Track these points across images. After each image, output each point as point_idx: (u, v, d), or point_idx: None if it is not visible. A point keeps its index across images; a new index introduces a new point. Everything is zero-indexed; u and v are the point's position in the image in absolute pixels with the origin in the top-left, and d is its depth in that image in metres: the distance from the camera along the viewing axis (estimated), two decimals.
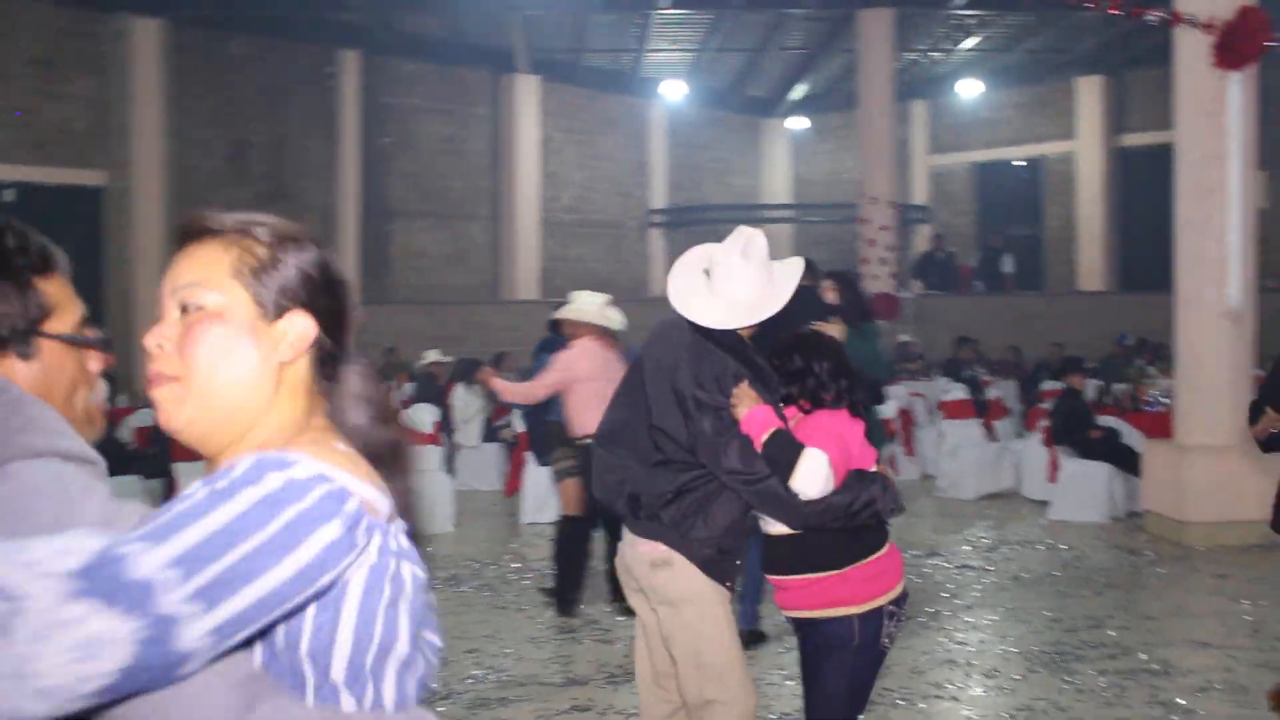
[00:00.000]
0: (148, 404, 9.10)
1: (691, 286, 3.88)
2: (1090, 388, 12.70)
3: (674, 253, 25.57)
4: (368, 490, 1.38)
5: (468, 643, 7.15)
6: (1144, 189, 23.08)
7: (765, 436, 3.65)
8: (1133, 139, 23.36)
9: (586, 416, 7.63)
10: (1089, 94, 23.68)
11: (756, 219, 27.00)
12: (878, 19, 19.10)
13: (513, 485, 11.46)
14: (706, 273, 3.89)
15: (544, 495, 11.07)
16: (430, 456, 11.23)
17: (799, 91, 26.72)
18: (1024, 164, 25.08)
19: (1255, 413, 5.61)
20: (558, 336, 8.57)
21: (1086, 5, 9.51)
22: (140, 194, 18.32)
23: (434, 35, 22.13)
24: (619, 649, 7.00)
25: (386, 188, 22.02)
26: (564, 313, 7.93)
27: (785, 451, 3.62)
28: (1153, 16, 9.50)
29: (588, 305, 7.85)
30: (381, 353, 17.87)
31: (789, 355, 3.91)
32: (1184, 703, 5.90)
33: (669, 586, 3.86)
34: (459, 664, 6.68)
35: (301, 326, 1.51)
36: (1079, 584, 8.50)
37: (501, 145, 23.21)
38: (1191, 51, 9.85)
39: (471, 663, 6.74)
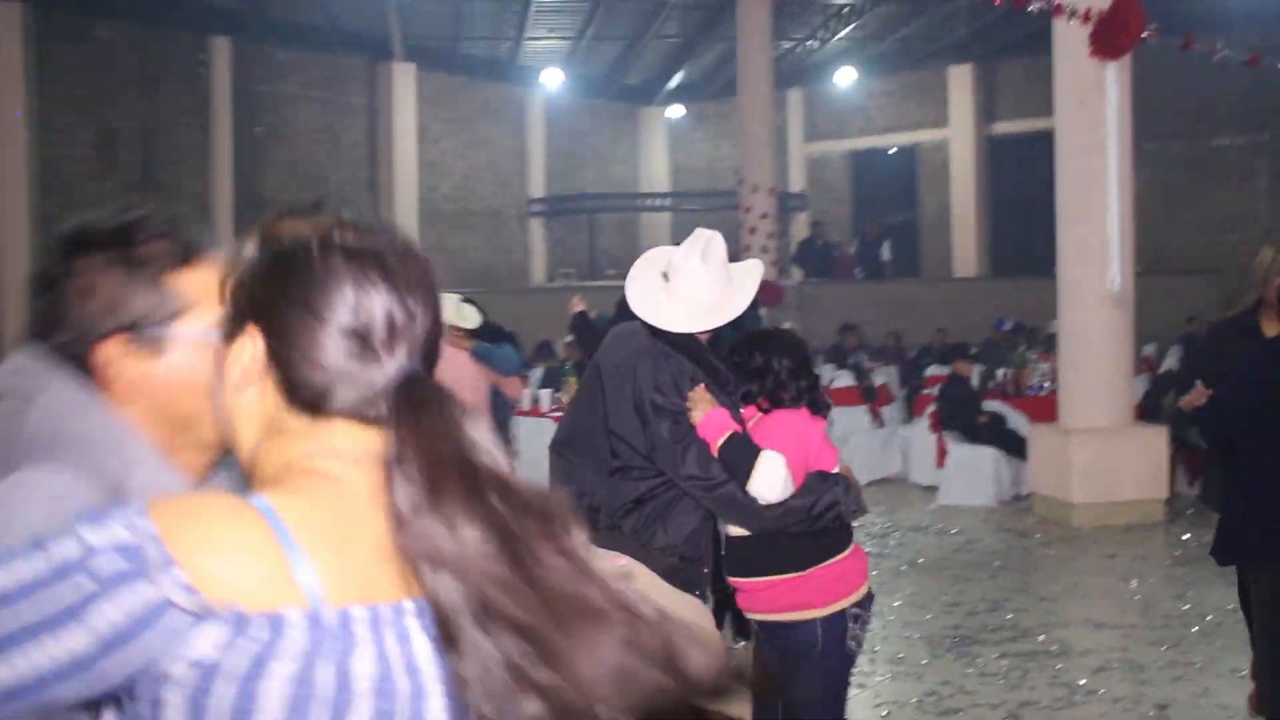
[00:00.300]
0: None
1: (649, 289, 3.75)
2: (973, 373, 12.91)
3: (553, 242, 25.65)
4: (226, 568, 1.10)
5: None
6: (1014, 176, 23.65)
7: (721, 440, 3.56)
8: (1003, 127, 23.84)
9: None
10: (960, 82, 24.08)
11: (637, 207, 27.06)
12: (756, 7, 19.13)
13: None
14: (665, 275, 3.78)
15: None
16: None
17: (676, 80, 26.79)
18: (899, 151, 25.44)
19: (1178, 389, 5.65)
20: None
21: None
22: (4, 184, 17.70)
23: (307, 21, 21.72)
24: None
25: (262, 177, 21.59)
26: None
27: (742, 455, 3.54)
28: (1035, 6, 9.66)
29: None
30: None
31: (749, 352, 3.87)
32: (1084, 683, 6.03)
33: None
34: None
35: (240, 345, 1.29)
36: (974, 568, 8.64)
37: (379, 134, 22.91)
38: (1069, 41, 10.04)
39: None
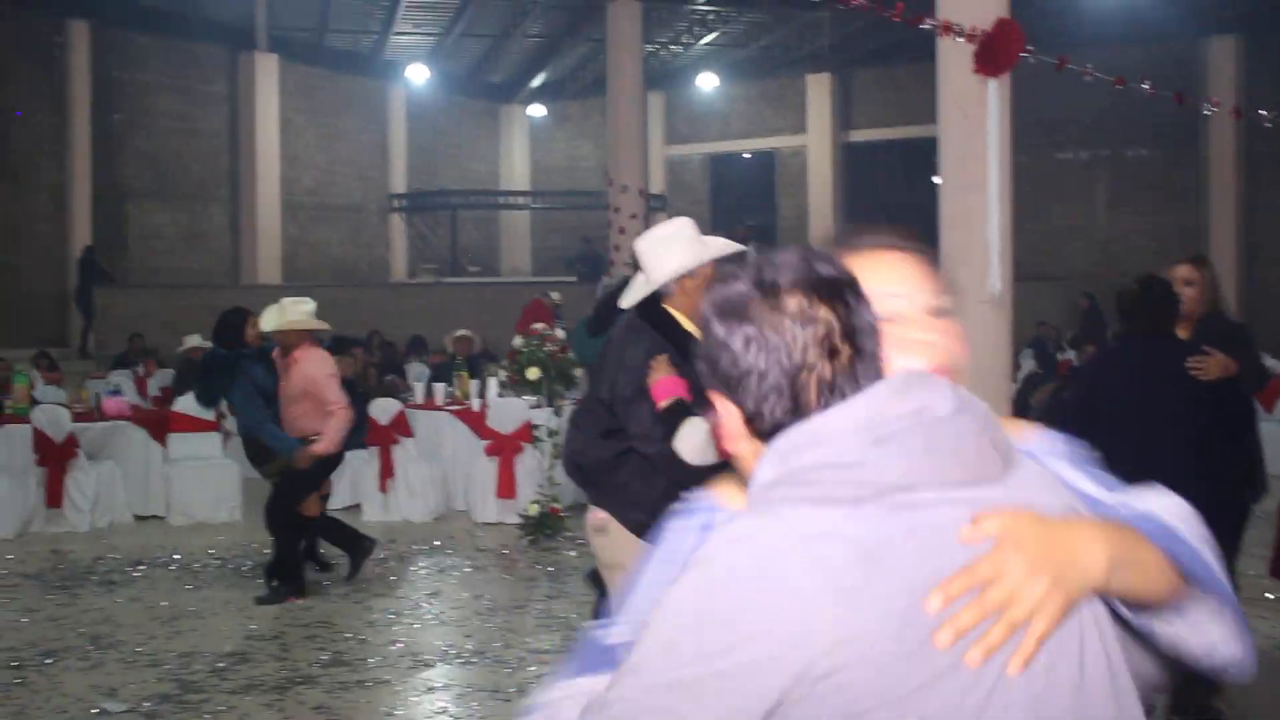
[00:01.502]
0: None
1: (636, 277, 4.27)
2: None
3: (414, 237, 25.63)
4: None
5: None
6: (870, 181, 24.48)
7: (665, 403, 3.90)
8: (859, 134, 24.64)
9: (314, 420, 7.70)
10: (818, 90, 24.83)
11: (499, 205, 27.19)
12: (627, 10, 19.52)
13: None
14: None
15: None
16: (214, 444, 11.03)
17: (538, 79, 27.01)
18: (757, 156, 26.09)
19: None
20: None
21: (866, 9, 10.06)
22: None
23: (168, 7, 21.41)
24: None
25: (120, 166, 21.20)
26: (281, 325, 7.70)
27: (673, 418, 3.85)
28: (927, 24, 10.15)
29: (302, 314, 7.75)
30: (127, 338, 17.25)
31: None
32: None
33: (605, 551, 4.16)
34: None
35: None
36: None
37: (241, 125, 22.65)
38: (953, 57, 10.54)
39: (307, 645, 6.76)
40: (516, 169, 28.80)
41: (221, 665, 6.42)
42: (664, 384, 3.94)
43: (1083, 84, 11.57)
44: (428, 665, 6.42)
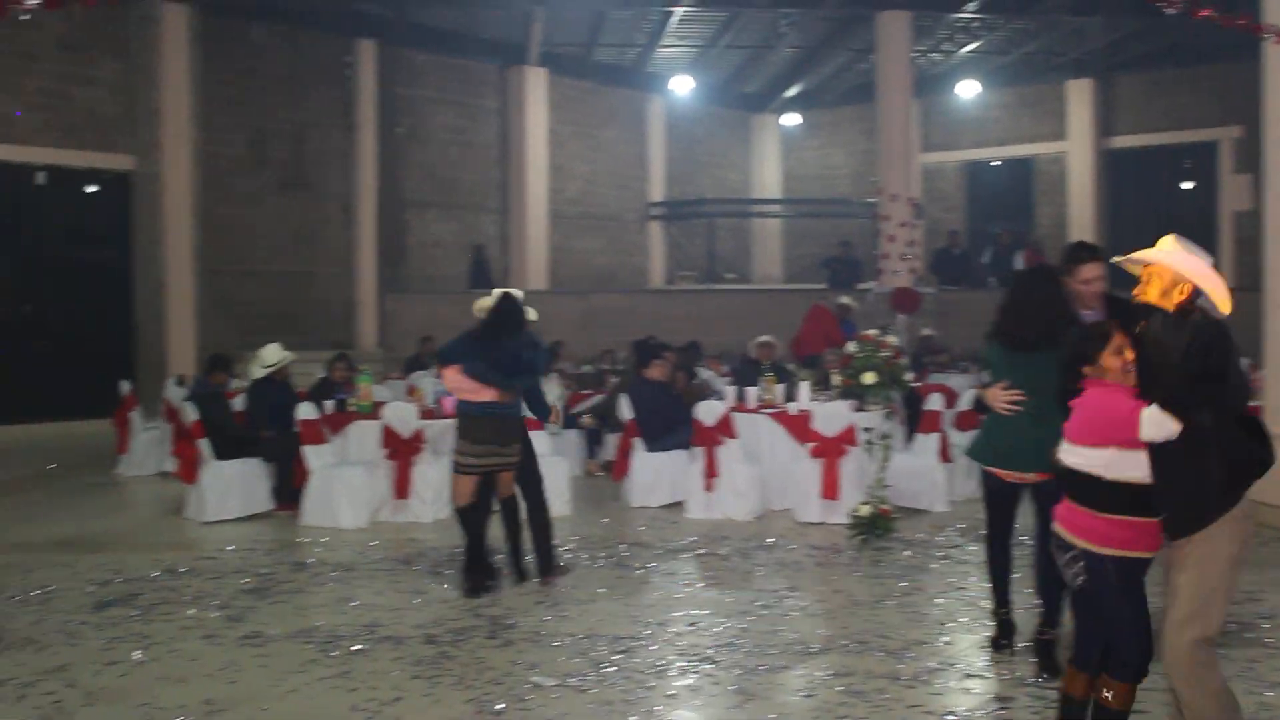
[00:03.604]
0: (245, 389, 9.51)
1: None
2: None
3: (671, 245, 26.16)
4: None
5: (676, 620, 7.57)
6: (1131, 189, 24.07)
7: None
8: (1120, 141, 24.23)
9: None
10: (1079, 96, 24.50)
11: (752, 213, 27.58)
12: (896, 20, 19.76)
13: (620, 469, 11.81)
14: None
15: (652, 480, 11.49)
16: (544, 441, 11.55)
17: (793, 89, 27.30)
18: (1016, 162, 25.87)
19: None
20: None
21: (1190, 13, 9.99)
22: (168, 178, 18.36)
23: (447, 27, 22.38)
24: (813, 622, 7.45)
25: (401, 178, 22.22)
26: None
27: None
28: (1267, 33, 10.06)
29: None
30: (419, 341, 18.12)
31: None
32: None
33: None
34: (694, 634, 7.11)
35: None
36: None
37: (510, 137, 23.50)
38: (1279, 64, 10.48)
39: (697, 631, 7.15)
40: (768, 177, 29.15)
41: (622, 648, 6.84)
42: None
43: None
44: (821, 653, 6.74)
